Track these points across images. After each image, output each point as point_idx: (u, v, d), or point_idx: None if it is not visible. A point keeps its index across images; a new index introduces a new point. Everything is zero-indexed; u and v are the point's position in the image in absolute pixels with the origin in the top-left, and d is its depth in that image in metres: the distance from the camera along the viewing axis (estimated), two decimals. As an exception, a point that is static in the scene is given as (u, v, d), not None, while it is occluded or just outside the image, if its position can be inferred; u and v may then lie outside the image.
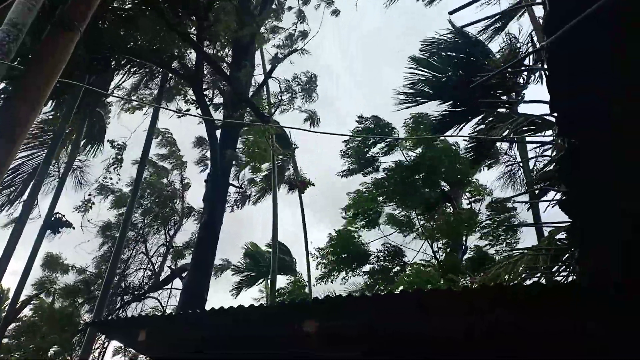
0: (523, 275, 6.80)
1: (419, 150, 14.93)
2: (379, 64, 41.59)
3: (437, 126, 13.45)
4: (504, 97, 11.49)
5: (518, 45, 10.86)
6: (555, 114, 3.58)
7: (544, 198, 8.42)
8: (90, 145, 16.39)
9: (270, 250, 19.93)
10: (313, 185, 20.38)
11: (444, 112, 13.15)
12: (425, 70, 12.58)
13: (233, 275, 21.28)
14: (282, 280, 20.22)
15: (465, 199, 15.03)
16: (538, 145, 9.15)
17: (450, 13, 4.51)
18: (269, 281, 20.81)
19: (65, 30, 3.73)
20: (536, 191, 9.46)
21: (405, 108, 13.56)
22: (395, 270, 14.88)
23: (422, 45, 12.46)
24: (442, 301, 4.16)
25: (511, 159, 12.38)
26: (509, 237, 13.88)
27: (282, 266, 19.84)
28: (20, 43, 5.28)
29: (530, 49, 10.22)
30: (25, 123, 3.71)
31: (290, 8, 17.59)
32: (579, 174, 3.70)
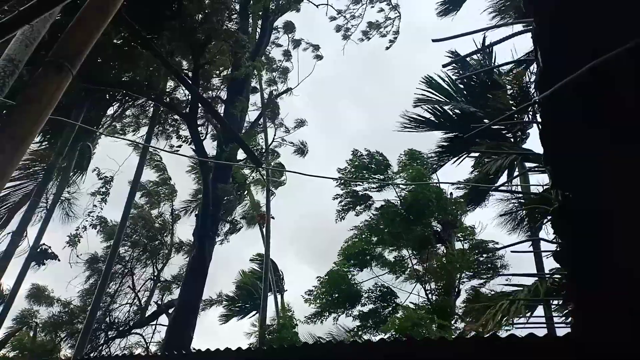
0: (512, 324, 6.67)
1: (412, 187, 14.89)
2: (337, 107, 42.49)
3: (435, 157, 13.49)
4: (509, 134, 11.49)
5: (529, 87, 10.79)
6: (549, 167, 3.58)
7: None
8: (73, 174, 16.11)
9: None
10: (273, 218, 20.32)
11: (441, 144, 13.12)
12: (435, 93, 12.49)
13: (224, 306, 20.92)
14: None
15: (458, 239, 14.90)
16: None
17: (434, 41, 4.51)
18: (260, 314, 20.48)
19: (57, 71, 3.68)
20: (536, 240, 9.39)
21: (410, 131, 13.60)
22: (387, 312, 14.59)
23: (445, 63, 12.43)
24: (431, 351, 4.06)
25: (512, 197, 12.30)
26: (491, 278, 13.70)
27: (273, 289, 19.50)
28: (19, 77, 5.26)
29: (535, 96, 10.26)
30: (10, 162, 3.62)
31: (286, 52, 18.68)
32: (572, 227, 3.67)
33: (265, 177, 16.26)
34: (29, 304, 18.27)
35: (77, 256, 14.43)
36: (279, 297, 20.13)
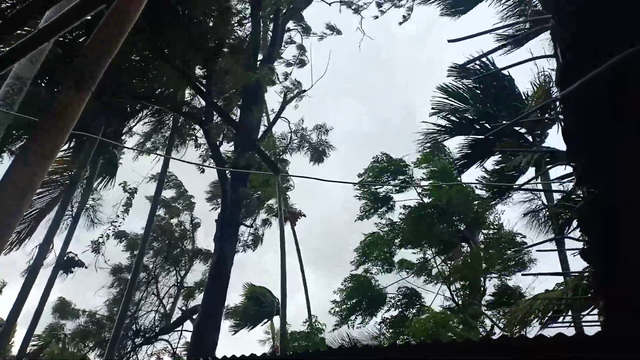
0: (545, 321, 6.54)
1: (433, 186, 14.70)
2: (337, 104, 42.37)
3: (458, 161, 13.43)
4: (528, 135, 11.40)
5: (550, 85, 10.65)
6: (574, 164, 3.51)
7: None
8: (102, 179, 16.25)
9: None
10: (304, 216, 19.54)
11: (465, 147, 13.04)
12: (453, 100, 12.51)
13: (232, 317, 20.76)
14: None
15: (483, 238, 14.62)
16: (559, 180, 8.99)
17: (450, 41, 4.46)
18: (272, 322, 20.33)
19: (77, 85, 3.71)
20: (562, 238, 9.24)
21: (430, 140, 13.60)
22: (412, 313, 14.38)
23: (449, 72, 12.34)
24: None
25: (535, 197, 12.12)
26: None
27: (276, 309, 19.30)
28: (38, 94, 5.38)
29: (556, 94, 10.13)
30: (35, 177, 3.67)
31: (299, 46, 18.48)
32: (599, 223, 3.58)
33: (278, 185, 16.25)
34: (55, 318, 18.56)
35: (105, 262, 14.76)
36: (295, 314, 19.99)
